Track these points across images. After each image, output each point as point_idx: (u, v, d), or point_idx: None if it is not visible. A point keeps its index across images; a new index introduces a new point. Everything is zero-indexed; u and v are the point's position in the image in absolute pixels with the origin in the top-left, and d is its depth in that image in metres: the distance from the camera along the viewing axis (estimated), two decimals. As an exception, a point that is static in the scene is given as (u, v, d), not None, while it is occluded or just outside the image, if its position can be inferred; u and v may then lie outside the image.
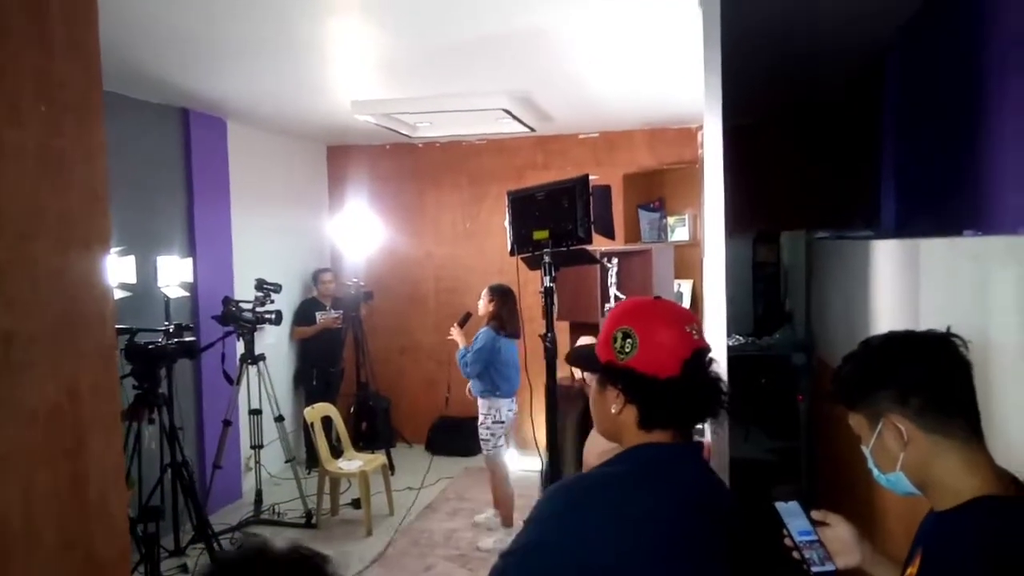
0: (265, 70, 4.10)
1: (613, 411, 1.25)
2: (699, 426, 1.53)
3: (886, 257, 2.60)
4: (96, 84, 1.64)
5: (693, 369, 1.22)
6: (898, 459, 1.18)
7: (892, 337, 1.26)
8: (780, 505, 1.38)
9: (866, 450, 1.24)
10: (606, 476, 1.23)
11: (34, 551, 1.51)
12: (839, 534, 1.35)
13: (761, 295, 5.50)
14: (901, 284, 2.38)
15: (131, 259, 4.39)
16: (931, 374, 1.17)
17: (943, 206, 2.80)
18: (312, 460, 5.72)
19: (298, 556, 0.99)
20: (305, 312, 6.02)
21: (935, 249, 2.11)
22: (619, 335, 1.24)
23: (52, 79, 1.53)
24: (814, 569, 1.30)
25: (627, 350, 1.23)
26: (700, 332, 1.27)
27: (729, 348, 2.42)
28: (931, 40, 2.99)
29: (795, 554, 1.33)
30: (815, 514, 1.37)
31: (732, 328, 4.04)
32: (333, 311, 5.95)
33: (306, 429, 5.12)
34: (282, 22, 3.24)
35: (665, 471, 1.22)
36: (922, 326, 1.25)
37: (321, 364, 5.98)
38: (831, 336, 3.69)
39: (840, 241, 3.59)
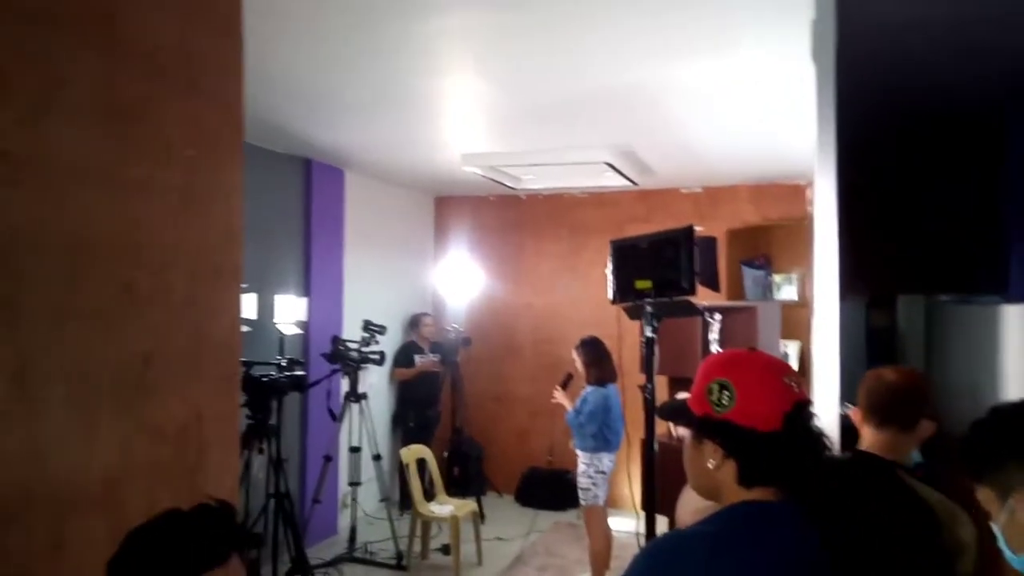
0: (383, 124, 4.35)
1: (710, 467, 1.20)
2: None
3: (1018, 323, 2.43)
4: (237, 128, 1.80)
5: (795, 422, 1.16)
6: None
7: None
8: None
9: (996, 527, 1.15)
10: (697, 536, 1.18)
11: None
12: None
13: (875, 362, 5.20)
14: (1034, 352, 2.21)
15: (252, 297, 4.68)
16: None
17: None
18: (405, 501, 5.79)
19: (204, 506, 1.10)
20: (405, 354, 6.17)
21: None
22: (715, 387, 1.20)
23: (200, 124, 1.70)
24: None
25: (724, 402, 1.18)
26: (800, 384, 1.21)
27: (841, 417, 2.30)
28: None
29: None
30: None
31: (844, 396, 3.84)
32: (432, 355, 6.08)
33: (401, 470, 5.20)
34: (400, 79, 3.45)
35: (764, 531, 1.15)
36: (1058, 393, 1.16)
37: (419, 406, 6.10)
38: (953, 407, 3.43)
39: (964, 306, 3.37)
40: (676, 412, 1.34)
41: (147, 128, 1.62)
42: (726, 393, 1.18)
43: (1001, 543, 1.15)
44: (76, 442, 1.37)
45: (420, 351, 6.15)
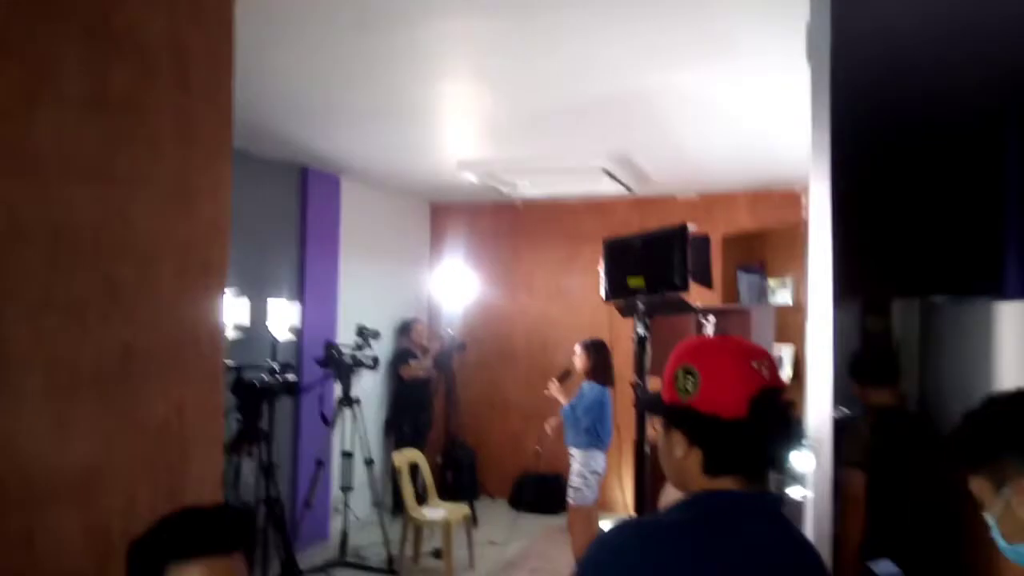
0: (379, 131, 4.34)
1: (678, 455, 1.15)
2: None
3: (1012, 320, 2.42)
4: (227, 125, 1.79)
5: (761, 409, 1.10)
6: None
7: (1019, 394, 1.17)
8: (876, 565, 1.28)
9: (989, 517, 1.14)
10: (659, 525, 1.15)
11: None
12: None
13: (871, 366, 5.18)
14: (1028, 351, 2.19)
15: (245, 301, 4.66)
16: None
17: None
18: (397, 505, 5.75)
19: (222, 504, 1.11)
20: (404, 358, 6.17)
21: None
22: (680, 373, 1.15)
23: (190, 118, 1.68)
24: None
25: (688, 389, 1.13)
26: (771, 370, 1.15)
27: (836, 421, 2.28)
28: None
29: None
30: None
31: (838, 400, 3.82)
32: (422, 359, 6.08)
33: (394, 475, 5.17)
34: (397, 86, 3.44)
35: (727, 523, 1.09)
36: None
37: (413, 411, 6.07)
38: (948, 408, 3.42)
39: (959, 306, 3.36)
40: (650, 402, 1.30)
41: (135, 121, 1.61)
42: (690, 379, 1.14)
43: (995, 533, 1.14)
44: (52, 434, 1.35)
45: (414, 356, 6.13)
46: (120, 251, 1.53)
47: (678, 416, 1.15)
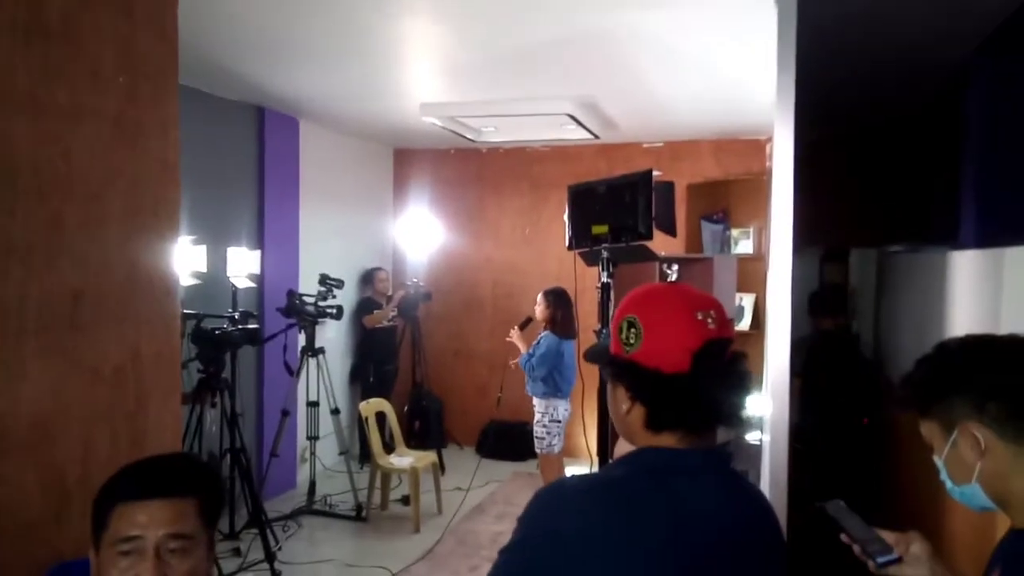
0: (338, 71, 4.20)
1: (623, 410, 1.10)
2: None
3: (966, 269, 2.47)
4: (173, 55, 1.70)
5: (705, 363, 1.04)
6: (974, 470, 1.10)
7: (969, 340, 1.19)
8: (827, 505, 1.31)
9: (939, 460, 1.17)
10: (596, 480, 1.13)
11: (88, 507, 1.56)
12: (912, 550, 1.26)
13: (828, 314, 5.30)
14: (981, 297, 2.25)
15: (203, 249, 4.54)
16: (1012, 379, 1.09)
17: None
18: (365, 454, 5.79)
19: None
20: (367, 308, 6.10)
21: (1022, 257, 1.99)
22: (624, 325, 1.10)
23: (133, 49, 1.59)
24: (879, 559, 1.22)
25: (632, 341, 1.08)
26: (719, 320, 1.09)
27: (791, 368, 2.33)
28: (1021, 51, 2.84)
29: (855, 548, 1.26)
30: (886, 535, 1.28)
31: (795, 346, 3.91)
32: (387, 307, 6.06)
33: (360, 423, 5.18)
34: (356, 23, 3.31)
35: (663, 480, 1.05)
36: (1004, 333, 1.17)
37: (378, 361, 6.06)
38: (901, 356, 3.52)
39: (914, 255, 3.43)
40: (597, 354, 1.22)
41: (74, 51, 1.51)
42: (633, 331, 1.08)
43: (943, 475, 1.17)
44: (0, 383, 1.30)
45: (377, 305, 6.08)
46: (64, 190, 1.46)
47: (621, 369, 1.11)
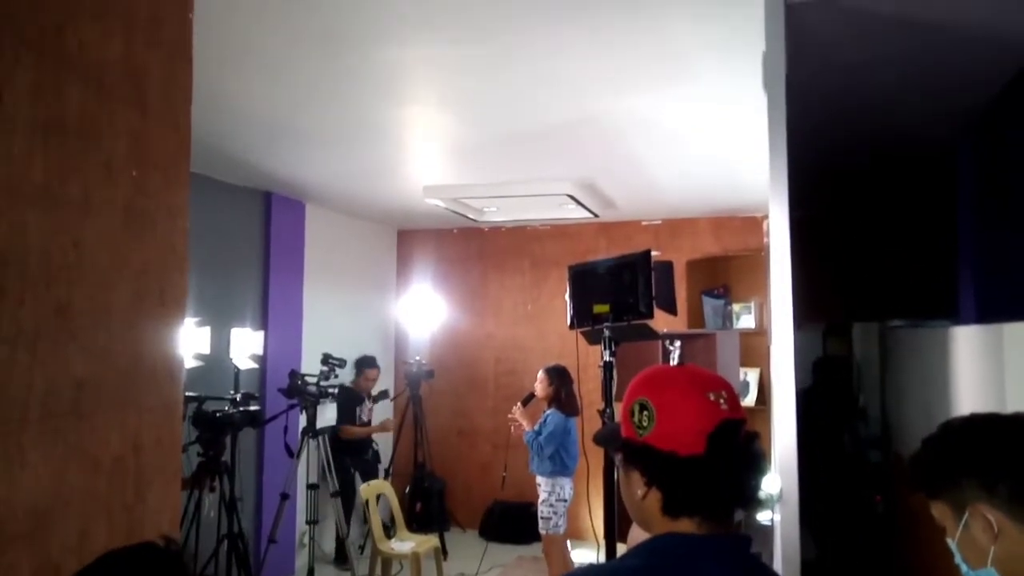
0: (344, 156, 4.32)
1: (638, 495, 1.08)
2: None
3: (967, 344, 2.47)
4: (185, 149, 1.76)
5: (720, 445, 1.03)
6: (988, 553, 1.07)
7: (975, 419, 1.18)
8: None
9: (952, 543, 1.14)
10: (612, 570, 1.10)
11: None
12: None
13: (833, 388, 5.26)
14: (984, 372, 2.24)
15: (207, 330, 4.56)
16: (1020, 459, 1.08)
17: (1028, 293, 2.67)
18: (365, 539, 5.62)
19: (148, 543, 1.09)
20: (348, 407, 5.46)
21: (1021, 334, 2.00)
22: (636, 407, 1.09)
23: (146, 141, 1.65)
24: None
25: (645, 424, 1.07)
26: (731, 401, 1.09)
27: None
28: (1012, 126, 2.93)
29: None
30: None
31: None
32: (368, 404, 5.69)
33: (348, 505, 4.98)
34: (361, 111, 3.44)
35: (685, 567, 1.03)
36: (1008, 410, 1.16)
37: (355, 453, 5.58)
38: (909, 430, 3.48)
39: (916, 330, 3.44)
40: (607, 437, 1.20)
41: (88, 144, 1.57)
42: (646, 414, 1.07)
43: (958, 559, 1.14)
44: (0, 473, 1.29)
45: (360, 401, 5.68)
46: (72, 278, 1.48)
47: (635, 453, 1.09)
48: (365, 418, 5.72)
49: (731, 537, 1.09)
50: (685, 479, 1.05)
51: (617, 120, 3.55)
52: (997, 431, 1.13)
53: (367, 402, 5.74)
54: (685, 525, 1.06)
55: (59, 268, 1.47)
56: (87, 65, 1.55)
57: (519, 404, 4.58)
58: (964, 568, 1.13)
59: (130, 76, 1.64)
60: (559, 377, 4.46)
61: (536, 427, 4.40)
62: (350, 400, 5.50)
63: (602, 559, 2.76)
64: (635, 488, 1.09)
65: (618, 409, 1.16)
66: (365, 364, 5.81)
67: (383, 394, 5.94)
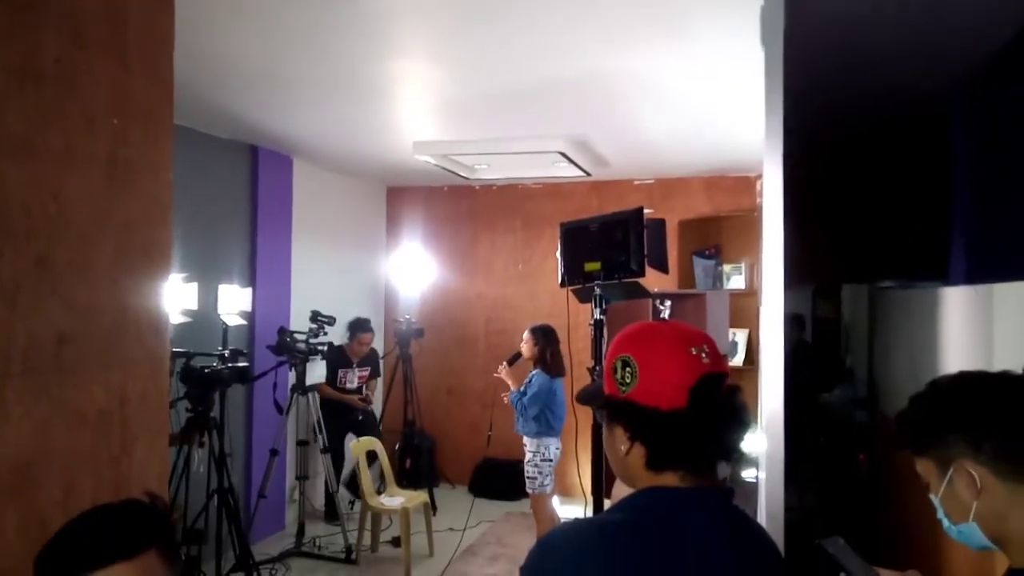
0: (332, 110, 4.24)
1: (621, 451, 1.09)
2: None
3: (957, 305, 2.48)
4: (168, 100, 1.71)
5: (702, 398, 1.04)
6: (971, 509, 1.09)
7: (963, 377, 1.18)
8: (826, 542, 1.29)
9: (935, 499, 1.15)
10: (598, 524, 1.10)
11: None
12: None
13: (821, 349, 5.31)
14: (973, 333, 2.26)
15: (194, 286, 4.53)
16: (1007, 417, 1.09)
17: (1020, 255, 2.67)
18: (355, 494, 5.69)
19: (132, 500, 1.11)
20: (332, 366, 5.30)
21: (1011, 294, 2.00)
22: (618, 364, 1.09)
23: (127, 91, 1.60)
24: None
25: (627, 381, 1.07)
26: (712, 355, 1.09)
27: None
28: (1008, 83, 2.90)
29: None
30: (885, 574, 1.26)
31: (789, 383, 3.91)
32: (358, 369, 5.56)
33: (338, 462, 5.02)
34: (350, 63, 3.36)
35: (670, 522, 1.04)
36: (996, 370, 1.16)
37: (335, 416, 5.35)
38: (896, 391, 3.52)
39: (906, 291, 3.45)
40: (591, 396, 1.21)
41: (67, 93, 1.52)
42: (628, 370, 1.08)
43: (940, 514, 1.15)
44: (-20, 425, 1.28)
45: (347, 364, 5.56)
46: (53, 231, 1.45)
47: (618, 410, 1.10)
48: (350, 384, 5.51)
49: (715, 489, 1.10)
50: (668, 433, 1.06)
51: (611, 77, 3.49)
52: (984, 389, 1.14)
53: (354, 368, 5.57)
54: (669, 479, 1.07)
55: (40, 221, 1.44)
56: (62, 11, 1.49)
57: (505, 363, 4.57)
58: (946, 523, 1.15)
59: (109, 23, 1.59)
60: (544, 337, 4.43)
61: (521, 387, 4.40)
62: (333, 362, 5.34)
63: (589, 515, 2.79)
64: (619, 444, 1.10)
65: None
66: (358, 328, 5.56)
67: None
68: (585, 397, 1.25)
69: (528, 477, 4.39)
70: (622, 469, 1.13)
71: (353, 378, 5.59)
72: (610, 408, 1.11)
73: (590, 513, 2.79)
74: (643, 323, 1.18)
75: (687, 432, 1.05)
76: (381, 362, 5.98)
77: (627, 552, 1.00)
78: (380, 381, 6.07)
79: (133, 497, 1.13)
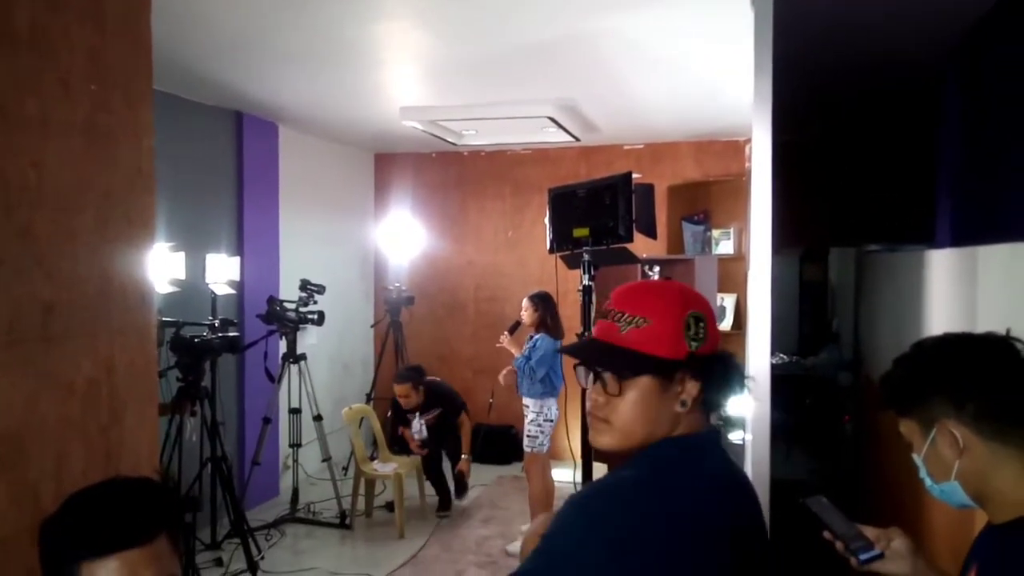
0: (317, 75, 4.17)
1: (679, 409, 1.10)
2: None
3: (942, 268, 2.50)
4: (146, 63, 1.68)
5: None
6: (953, 468, 1.11)
7: (947, 339, 1.19)
8: (810, 501, 1.32)
9: (918, 458, 1.17)
10: (636, 483, 1.07)
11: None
12: (894, 546, 1.27)
13: (807, 313, 5.36)
14: (958, 295, 2.28)
15: (181, 256, 4.49)
16: (989, 377, 1.10)
17: (1004, 217, 2.68)
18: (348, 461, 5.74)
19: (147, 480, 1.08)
20: (392, 423, 5.25)
21: (995, 256, 2.01)
22: (691, 321, 1.10)
23: (104, 56, 1.56)
24: (861, 556, 1.23)
25: (701, 336, 1.10)
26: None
27: (773, 367, 2.35)
28: (997, 48, 2.89)
29: (838, 544, 1.26)
30: (868, 532, 1.29)
31: (776, 347, 3.96)
32: (422, 416, 5.09)
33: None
34: (335, 27, 3.29)
35: (698, 458, 1.12)
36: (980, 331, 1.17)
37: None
38: (880, 353, 3.56)
39: (892, 254, 3.47)
40: (636, 362, 1.10)
41: (43, 59, 1.49)
42: (702, 326, 1.11)
43: (923, 473, 1.17)
44: (-33, 396, 1.27)
45: (403, 419, 5.14)
46: (33, 201, 1.43)
47: (704, 364, 1.10)
48: (417, 435, 5.08)
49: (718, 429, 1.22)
50: (725, 375, 1.13)
51: (600, 40, 3.45)
52: (968, 350, 1.15)
53: (418, 416, 5.09)
54: (704, 422, 1.15)
55: (19, 191, 1.42)
56: (35, -28, 1.45)
57: (506, 333, 4.63)
58: (928, 482, 1.17)
59: (83, -15, 1.55)
60: (543, 303, 4.51)
61: (526, 352, 4.46)
62: (393, 421, 5.21)
63: (578, 477, 2.83)
64: (677, 402, 1.10)
65: (627, 330, 1.13)
66: (394, 381, 5.11)
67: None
68: (630, 364, 1.11)
69: (529, 435, 4.47)
70: (664, 426, 1.11)
71: (419, 428, 5.08)
72: (691, 366, 1.09)
73: (579, 475, 2.82)
74: (678, 283, 1.24)
75: (731, 372, 1.13)
76: (455, 397, 5.27)
77: (679, 493, 1.06)
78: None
79: (145, 476, 1.10)
